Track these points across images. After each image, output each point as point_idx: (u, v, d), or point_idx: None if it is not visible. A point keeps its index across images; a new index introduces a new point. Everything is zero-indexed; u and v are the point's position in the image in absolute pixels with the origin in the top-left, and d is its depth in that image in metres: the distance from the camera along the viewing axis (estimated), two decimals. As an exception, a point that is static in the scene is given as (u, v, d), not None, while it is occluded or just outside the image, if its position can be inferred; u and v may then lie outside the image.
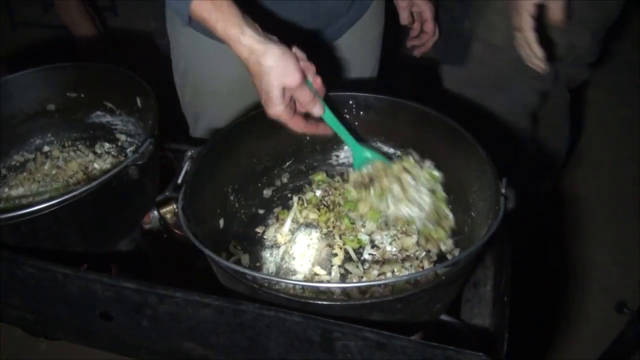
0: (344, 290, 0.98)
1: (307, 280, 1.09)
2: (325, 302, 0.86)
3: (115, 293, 0.94)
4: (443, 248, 1.17)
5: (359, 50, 1.60)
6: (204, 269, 1.07)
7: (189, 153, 1.10)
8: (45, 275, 0.98)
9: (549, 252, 2.27)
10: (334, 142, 1.31)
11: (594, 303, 2.11)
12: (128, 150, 1.39)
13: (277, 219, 1.25)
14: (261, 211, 1.26)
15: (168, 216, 1.36)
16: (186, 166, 1.08)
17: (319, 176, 1.31)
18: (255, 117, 1.17)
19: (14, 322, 1.21)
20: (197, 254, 0.95)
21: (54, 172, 1.36)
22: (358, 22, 1.52)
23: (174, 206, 1.34)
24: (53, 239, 1.10)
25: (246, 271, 0.88)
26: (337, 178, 1.32)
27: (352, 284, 1.07)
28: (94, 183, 1.04)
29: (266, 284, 0.92)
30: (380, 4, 1.57)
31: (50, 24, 3.58)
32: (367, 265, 1.15)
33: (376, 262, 1.16)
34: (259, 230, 1.23)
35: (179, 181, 1.06)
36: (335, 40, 1.52)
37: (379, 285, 1.02)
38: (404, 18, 1.46)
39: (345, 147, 1.32)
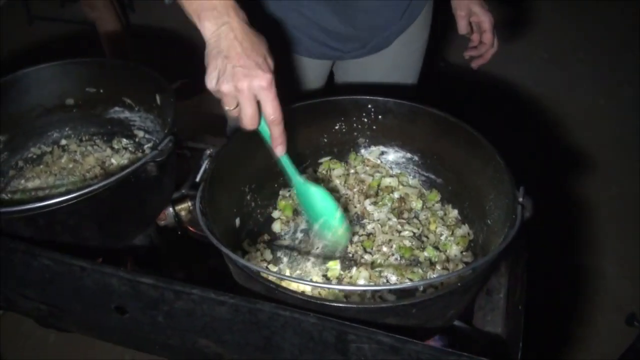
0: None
1: (324, 282, 1.10)
2: (341, 304, 0.86)
3: (132, 288, 0.94)
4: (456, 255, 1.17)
5: (404, 57, 1.60)
6: (217, 266, 1.07)
7: (208, 152, 1.11)
8: (62, 268, 0.99)
9: (560, 260, 2.27)
10: (352, 145, 1.31)
11: (604, 315, 2.11)
12: (145, 146, 1.39)
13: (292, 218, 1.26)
14: (277, 211, 1.26)
15: (182, 213, 1.36)
16: (205, 164, 1.09)
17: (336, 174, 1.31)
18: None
19: (26, 312, 1.22)
20: (211, 250, 0.96)
21: (70, 165, 1.37)
22: (406, 30, 1.53)
23: (189, 203, 1.35)
24: (69, 232, 1.10)
25: (264, 271, 0.88)
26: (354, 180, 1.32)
27: (370, 287, 1.07)
28: (113, 178, 1.05)
29: (283, 284, 0.92)
30: (428, 11, 1.57)
31: (67, 19, 3.61)
32: (379, 269, 1.15)
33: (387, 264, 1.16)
34: (275, 229, 1.23)
35: (197, 179, 1.06)
36: (383, 48, 1.53)
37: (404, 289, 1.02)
38: (462, 28, 1.45)
39: (362, 149, 1.32)
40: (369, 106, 1.25)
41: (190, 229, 1.37)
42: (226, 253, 0.92)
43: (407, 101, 1.24)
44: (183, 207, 1.35)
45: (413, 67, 1.66)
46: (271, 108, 0.96)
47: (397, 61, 1.58)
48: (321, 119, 1.26)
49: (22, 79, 1.37)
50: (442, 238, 1.21)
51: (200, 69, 0.97)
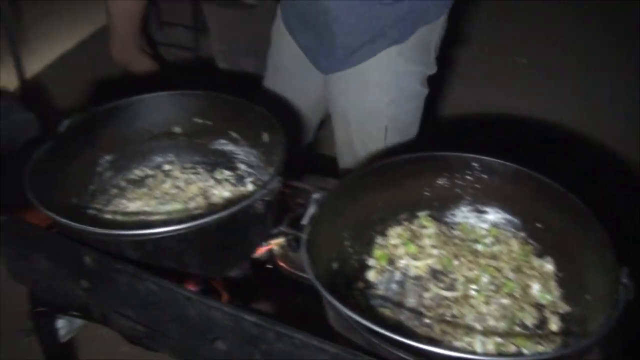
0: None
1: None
2: None
3: (234, 323, 0.96)
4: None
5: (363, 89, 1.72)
6: (305, 304, 1.08)
7: (315, 196, 1.13)
8: (167, 294, 1.02)
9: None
10: (451, 200, 1.31)
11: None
12: (246, 180, 1.43)
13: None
14: (372, 259, 1.26)
15: (275, 248, 1.39)
16: (312, 208, 1.10)
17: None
18: (380, 167, 1.19)
19: (120, 329, 1.25)
20: (299, 287, 0.97)
21: (173, 191, 1.41)
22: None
23: (283, 240, 1.36)
24: (173, 259, 1.14)
25: (372, 326, 0.88)
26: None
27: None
28: (225, 212, 1.08)
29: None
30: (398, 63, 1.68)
31: (162, 42, 3.70)
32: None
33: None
34: (370, 278, 1.23)
35: (304, 222, 1.08)
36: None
37: None
38: None
39: (462, 207, 1.32)
40: (474, 164, 1.26)
41: (282, 264, 1.38)
42: (330, 300, 0.92)
43: (512, 163, 1.24)
44: (277, 243, 1.37)
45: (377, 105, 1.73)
46: None
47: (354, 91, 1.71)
48: (426, 172, 1.27)
49: (134, 104, 1.43)
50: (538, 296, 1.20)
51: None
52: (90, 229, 1.09)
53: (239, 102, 1.38)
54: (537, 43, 3.80)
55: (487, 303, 1.19)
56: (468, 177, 1.27)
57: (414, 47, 1.66)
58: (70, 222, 1.09)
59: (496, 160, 1.24)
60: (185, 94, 1.43)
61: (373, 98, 1.72)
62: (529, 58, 3.68)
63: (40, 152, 1.30)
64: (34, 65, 3.48)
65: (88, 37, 3.82)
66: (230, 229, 1.15)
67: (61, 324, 1.54)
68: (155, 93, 1.43)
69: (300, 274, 1.24)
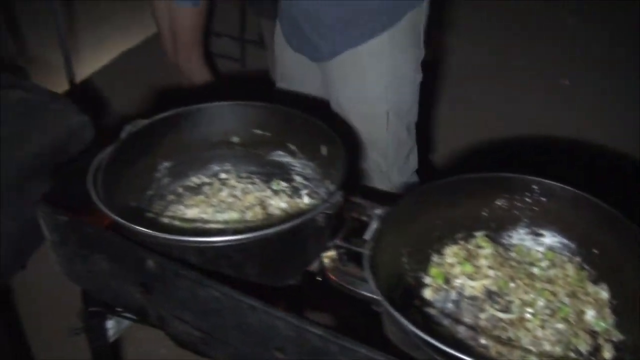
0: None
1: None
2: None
3: (297, 334, 0.97)
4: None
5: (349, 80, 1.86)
6: (353, 316, 1.09)
7: (377, 211, 1.14)
8: (230, 302, 1.03)
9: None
10: (508, 222, 1.31)
11: None
12: (302, 192, 1.44)
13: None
14: (428, 278, 1.27)
15: (326, 261, 1.39)
16: (374, 223, 1.11)
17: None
18: (442, 186, 1.20)
19: (174, 333, 1.26)
20: (348, 301, 0.97)
21: (230, 200, 1.43)
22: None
23: (335, 253, 1.37)
24: (233, 268, 1.15)
25: (440, 345, 0.88)
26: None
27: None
28: (288, 224, 1.09)
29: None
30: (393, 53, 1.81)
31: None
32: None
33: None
34: (426, 295, 1.23)
35: (367, 237, 1.09)
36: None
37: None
38: None
39: (519, 229, 1.31)
40: (534, 186, 1.25)
41: (332, 277, 1.39)
42: (400, 319, 0.93)
43: (571, 187, 1.24)
44: (328, 255, 1.38)
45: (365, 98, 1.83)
46: None
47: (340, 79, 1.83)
48: (486, 192, 1.27)
49: (195, 113, 1.46)
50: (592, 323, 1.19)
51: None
52: (157, 234, 1.11)
53: (298, 115, 1.40)
54: (579, 64, 3.79)
55: (542, 327, 1.19)
56: (527, 199, 1.27)
57: (405, 31, 1.77)
58: (136, 227, 1.11)
59: (556, 183, 1.24)
60: (246, 104, 1.45)
61: (371, 84, 1.82)
62: (572, 79, 3.66)
63: (103, 156, 1.33)
64: (85, 70, 3.55)
65: (140, 43, 3.89)
66: (291, 240, 1.16)
67: (110, 324, 1.56)
68: (216, 103, 1.45)
69: (351, 287, 1.24)
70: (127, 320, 1.56)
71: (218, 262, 1.14)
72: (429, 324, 1.18)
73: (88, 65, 3.61)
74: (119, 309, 1.51)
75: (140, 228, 1.11)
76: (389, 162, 1.95)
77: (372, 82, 1.83)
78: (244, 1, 3.36)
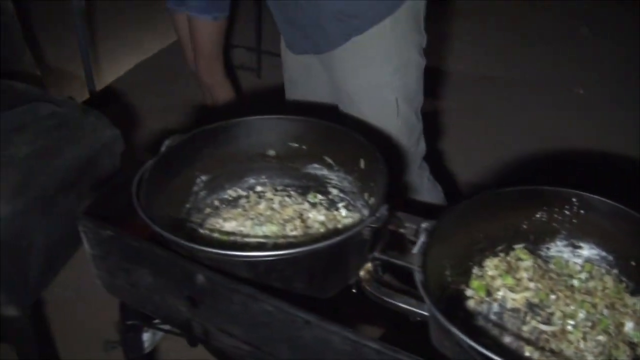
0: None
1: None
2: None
3: (353, 349, 0.98)
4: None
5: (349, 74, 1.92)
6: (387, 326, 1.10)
7: (424, 225, 1.15)
8: (283, 316, 1.04)
9: None
10: (547, 234, 1.33)
11: None
12: (339, 204, 1.45)
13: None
14: (470, 290, 1.28)
15: (362, 273, 1.41)
16: (422, 237, 1.13)
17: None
18: (485, 199, 1.22)
19: (220, 347, 1.28)
20: (383, 313, 0.98)
21: (268, 213, 1.44)
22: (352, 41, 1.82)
23: (371, 265, 1.39)
24: (283, 281, 1.16)
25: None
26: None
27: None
28: (339, 237, 1.11)
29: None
30: (391, 43, 1.85)
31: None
32: None
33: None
34: (469, 307, 1.25)
35: (415, 251, 1.11)
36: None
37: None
38: None
39: (557, 241, 1.33)
40: (574, 199, 1.27)
41: (367, 288, 1.40)
42: (456, 333, 0.94)
43: (610, 200, 1.25)
44: (365, 267, 1.39)
45: (363, 93, 1.89)
46: None
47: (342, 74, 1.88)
48: (527, 205, 1.29)
49: (233, 127, 1.47)
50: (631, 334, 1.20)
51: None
52: (210, 249, 1.13)
53: (336, 128, 1.42)
54: (593, 73, 3.82)
55: (584, 339, 1.20)
56: (566, 212, 1.29)
57: (407, 17, 1.81)
58: (188, 243, 1.13)
59: (595, 196, 1.26)
60: (283, 118, 1.47)
61: (378, 70, 1.86)
62: (586, 88, 3.68)
63: (143, 171, 1.34)
64: (101, 81, 3.58)
65: (156, 54, 3.91)
66: (339, 253, 1.18)
67: (146, 336, 1.58)
68: (255, 117, 1.47)
69: (386, 299, 1.25)
70: (162, 332, 1.58)
71: (269, 276, 1.15)
72: (476, 337, 1.19)
73: (103, 77, 3.63)
74: (156, 322, 1.52)
75: (192, 244, 1.13)
76: (402, 148, 1.98)
77: (379, 69, 1.87)
78: (260, 12, 3.38)
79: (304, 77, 2.09)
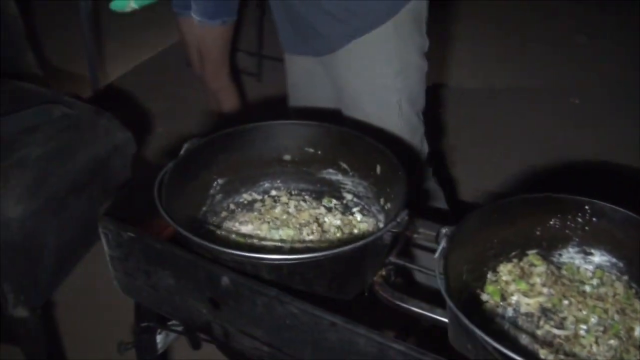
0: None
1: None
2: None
3: (379, 350, 1.01)
4: None
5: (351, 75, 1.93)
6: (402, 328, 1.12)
7: (444, 230, 1.18)
8: (309, 318, 1.07)
9: None
10: (559, 241, 1.36)
11: None
12: (353, 209, 1.48)
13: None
14: (485, 294, 1.31)
15: (375, 277, 1.43)
16: (442, 242, 1.16)
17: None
18: (502, 205, 1.25)
19: (238, 349, 1.29)
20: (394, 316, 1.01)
21: (284, 217, 1.46)
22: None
23: (384, 269, 1.41)
24: (304, 284, 1.18)
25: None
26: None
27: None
28: (362, 241, 1.14)
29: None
30: (389, 48, 1.88)
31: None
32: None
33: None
34: (485, 311, 1.28)
35: (436, 256, 1.13)
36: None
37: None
38: None
39: (569, 247, 1.36)
40: (586, 207, 1.30)
41: (380, 292, 1.43)
42: (481, 336, 0.97)
43: (621, 208, 1.29)
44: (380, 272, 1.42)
45: (366, 95, 1.91)
46: None
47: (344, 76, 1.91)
48: (541, 212, 1.31)
49: (250, 132, 1.49)
50: None
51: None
52: (235, 252, 1.15)
53: (352, 134, 1.44)
54: (588, 82, 3.86)
55: (597, 343, 1.23)
56: (579, 219, 1.32)
57: (409, 20, 1.84)
58: (213, 245, 1.15)
59: (607, 204, 1.29)
60: (300, 123, 1.50)
61: (380, 71, 1.88)
62: (582, 98, 3.73)
63: (164, 172, 1.36)
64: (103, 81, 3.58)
65: (156, 55, 3.91)
66: (359, 257, 1.20)
67: (159, 338, 1.59)
68: (272, 121, 1.49)
69: (399, 302, 1.28)
70: (175, 333, 1.59)
71: (292, 279, 1.17)
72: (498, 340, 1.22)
73: (107, 77, 3.64)
74: (170, 323, 1.54)
75: (219, 247, 1.15)
76: (407, 150, 2.01)
77: (381, 70, 1.89)
78: (261, 16, 3.40)
79: (307, 82, 2.12)
